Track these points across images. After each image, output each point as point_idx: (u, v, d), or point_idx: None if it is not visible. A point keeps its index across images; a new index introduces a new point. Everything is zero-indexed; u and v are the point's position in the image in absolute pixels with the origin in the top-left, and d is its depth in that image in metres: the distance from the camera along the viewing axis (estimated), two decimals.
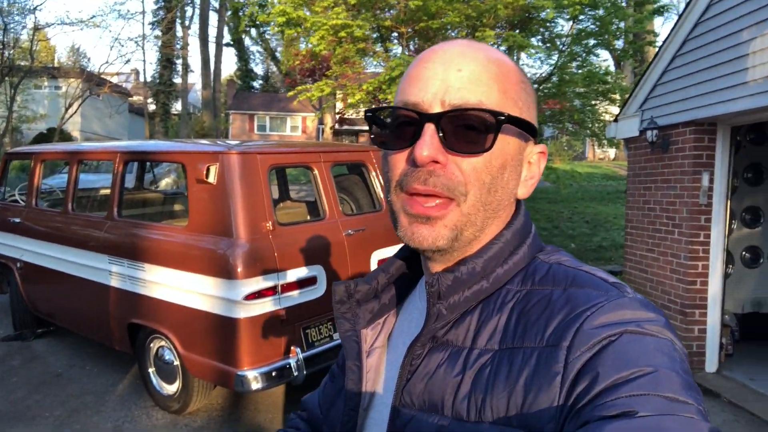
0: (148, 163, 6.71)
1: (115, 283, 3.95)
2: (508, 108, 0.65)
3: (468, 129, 0.63)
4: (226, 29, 33.88)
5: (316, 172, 3.91)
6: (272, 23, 9.83)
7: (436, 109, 0.63)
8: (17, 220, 5.02)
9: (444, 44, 0.68)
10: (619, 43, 10.90)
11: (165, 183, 11.01)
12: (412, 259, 0.80)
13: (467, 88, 0.63)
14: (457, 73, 0.64)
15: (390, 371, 0.74)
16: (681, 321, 4.72)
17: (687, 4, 4.75)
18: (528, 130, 0.68)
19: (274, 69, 39.93)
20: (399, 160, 0.66)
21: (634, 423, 0.49)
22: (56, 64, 25.69)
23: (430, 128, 0.63)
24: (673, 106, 4.83)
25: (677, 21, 4.80)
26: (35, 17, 27.74)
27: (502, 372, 0.60)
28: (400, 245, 0.79)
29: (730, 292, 5.00)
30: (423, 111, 0.64)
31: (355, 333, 0.75)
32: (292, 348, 3.42)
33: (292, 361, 3.38)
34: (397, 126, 0.67)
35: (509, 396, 0.59)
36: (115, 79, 27.75)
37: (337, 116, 28.12)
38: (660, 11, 9.53)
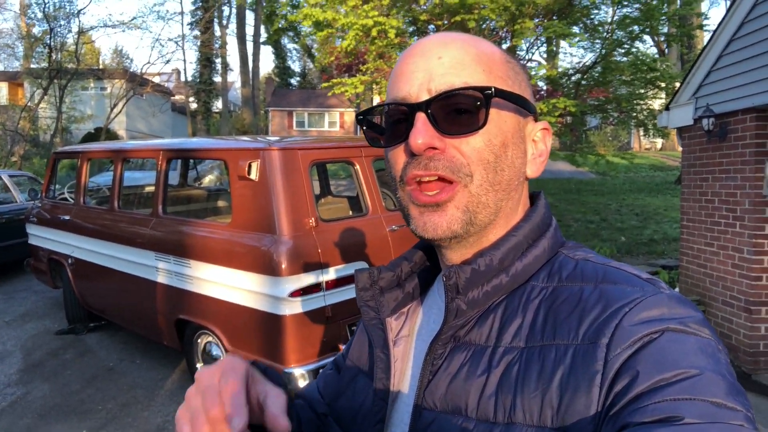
0: (191, 161, 6.79)
1: (161, 279, 3.99)
2: (496, 85, 0.64)
3: (459, 111, 0.62)
4: (263, 27, 34.29)
5: (357, 167, 3.85)
6: (303, 22, 9.79)
7: (424, 97, 0.63)
8: (67, 217, 5.15)
9: (421, 39, 0.68)
10: (664, 29, 10.44)
11: (209, 180, 11.19)
12: (433, 249, 0.77)
13: (451, 72, 0.63)
14: (438, 61, 0.64)
15: (414, 368, 0.71)
16: (746, 319, 4.48)
17: None
18: (523, 106, 0.67)
19: (311, 66, 40.20)
20: (398, 155, 0.66)
21: (680, 431, 0.46)
22: (101, 66, 26.49)
23: (421, 116, 0.63)
24: (730, 93, 4.58)
25: (732, 3, 4.54)
26: (79, 21, 28.53)
27: (533, 370, 0.58)
28: None
29: None
30: (411, 102, 0.64)
31: (379, 321, 0.73)
32: (338, 345, 3.38)
33: None
34: (391, 124, 0.67)
35: (543, 396, 0.56)
36: (157, 79, 28.43)
37: None
38: None
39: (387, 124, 0.67)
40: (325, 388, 0.85)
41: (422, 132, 0.62)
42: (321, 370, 0.90)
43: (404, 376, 0.72)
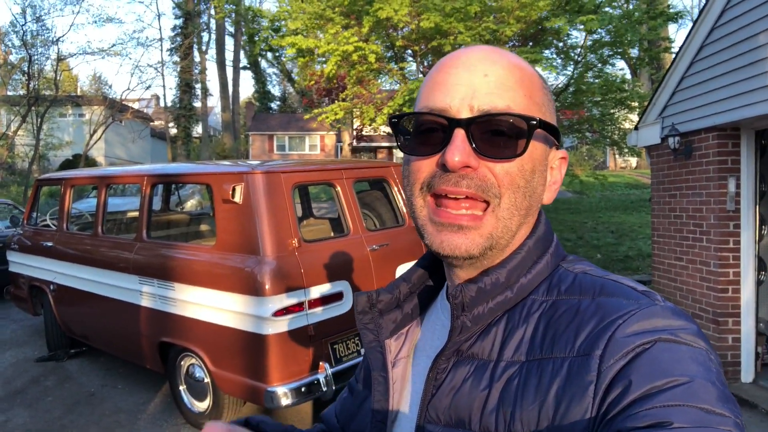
0: (173, 186, 6.84)
1: (145, 302, 4.03)
2: (535, 112, 0.64)
3: (498, 134, 0.62)
4: (242, 53, 34.57)
5: (338, 189, 3.96)
6: (286, 48, 10.06)
7: (465, 114, 0.62)
8: (49, 244, 5.15)
9: (465, 50, 0.67)
10: (634, 51, 10.86)
11: (191, 204, 11.21)
12: (434, 268, 0.78)
13: (495, 92, 0.62)
14: (483, 78, 0.63)
15: (414, 385, 0.72)
16: (714, 330, 4.63)
17: (701, 11, 4.73)
18: (554, 136, 0.68)
19: (291, 90, 40.51)
20: (426, 165, 0.65)
21: None
22: (79, 93, 26.42)
23: (460, 133, 0.62)
24: (693, 112, 4.80)
25: (692, 27, 4.78)
26: (58, 48, 28.49)
27: (531, 383, 0.59)
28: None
29: (764, 300, 4.90)
30: (451, 116, 0.62)
31: (379, 344, 0.74)
32: (320, 363, 3.44)
33: (321, 377, 3.40)
34: (423, 131, 0.65)
35: (540, 408, 0.57)
36: (136, 105, 28.41)
37: (355, 133, 28.33)
38: (674, 18, 9.52)
39: (417, 132, 0.66)
40: (341, 413, 0.87)
41: (460, 149, 0.61)
42: (340, 394, 0.94)
43: (404, 395, 0.73)
